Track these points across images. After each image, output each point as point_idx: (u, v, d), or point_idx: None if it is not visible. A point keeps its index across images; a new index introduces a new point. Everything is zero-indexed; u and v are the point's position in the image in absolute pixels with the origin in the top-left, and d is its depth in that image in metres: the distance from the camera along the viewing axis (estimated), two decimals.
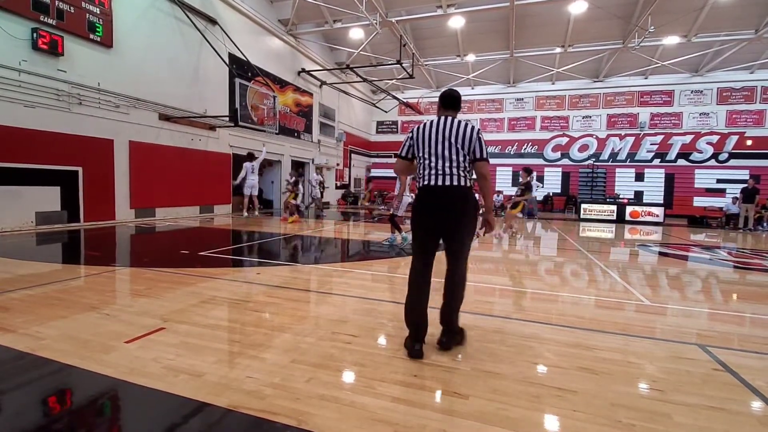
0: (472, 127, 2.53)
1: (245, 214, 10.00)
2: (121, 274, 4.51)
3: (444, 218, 2.49)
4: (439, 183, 2.49)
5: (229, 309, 3.32)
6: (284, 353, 2.42)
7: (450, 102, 2.69)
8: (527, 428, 1.74)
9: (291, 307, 3.36)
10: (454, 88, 2.74)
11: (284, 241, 7.76)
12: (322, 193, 16.72)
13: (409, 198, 7.14)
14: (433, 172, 2.51)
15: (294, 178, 11.16)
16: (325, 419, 1.74)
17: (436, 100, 2.75)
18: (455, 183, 2.48)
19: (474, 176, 2.61)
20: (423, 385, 2.09)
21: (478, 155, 2.49)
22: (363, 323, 3.02)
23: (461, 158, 2.49)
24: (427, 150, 2.56)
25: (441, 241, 2.59)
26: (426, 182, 2.54)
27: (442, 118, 2.59)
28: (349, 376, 2.17)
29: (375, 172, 24.46)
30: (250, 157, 9.95)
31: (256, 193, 10.00)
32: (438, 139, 2.53)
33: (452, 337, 2.57)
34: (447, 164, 2.49)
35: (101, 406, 1.89)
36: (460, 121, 2.56)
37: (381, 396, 1.96)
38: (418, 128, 2.63)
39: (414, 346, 2.45)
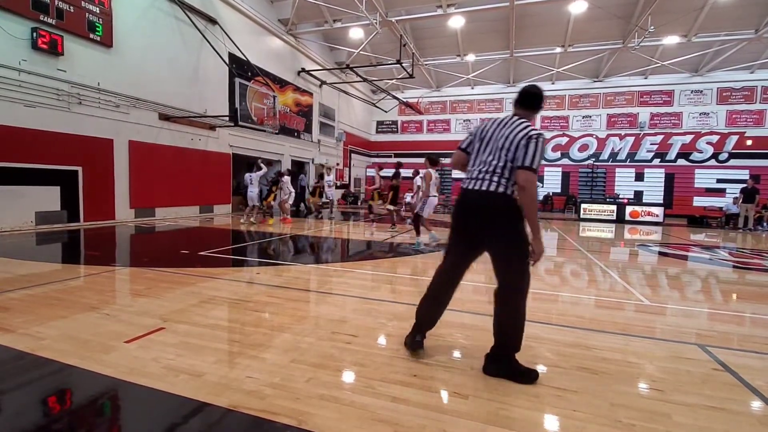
0: (526, 131, 2.17)
1: (242, 220, 10.09)
2: (120, 274, 4.51)
3: (472, 224, 2.29)
4: (470, 187, 2.30)
5: (229, 309, 3.32)
6: (284, 353, 2.42)
7: (520, 99, 2.37)
8: (527, 428, 1.74)
9: (291, 307, 3.36)
10: (536, 84, 2.41)
11: (284, 241, 7.76)
12: (322, 193, 16.69)
13: (435, 199, 6.96)
14: (471, 175, 2.33)
15: (274, 177, 10.82)
16: (325, 419, 1.74)
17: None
18: (484, 188, 2.23)
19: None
20: (423, 385, 2.09)
21: (519, 162, 2.14)
22: (363, 323, 3.02)
23: (501, 163, 2.21)
24: (476, 148, 2.38)
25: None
26: (463, 184, 2.37)
27: (507, 116, 2.33)
28: (349, 376, 2.17)
29: (373, 172, 24.38)
30: (249, 167, 10.08)
31: (257, 203, 10.08)
32: (488, 139, 2.31)
33: (497, 366, 2.24)
34: (485, 168, 2.27)
35: (101, 406, 1.89)
36: (519, 122, 2.24)
37: (381, 396, 1.96)
38: (483, 123, 2.42)
39: (414, 337, 2.45)
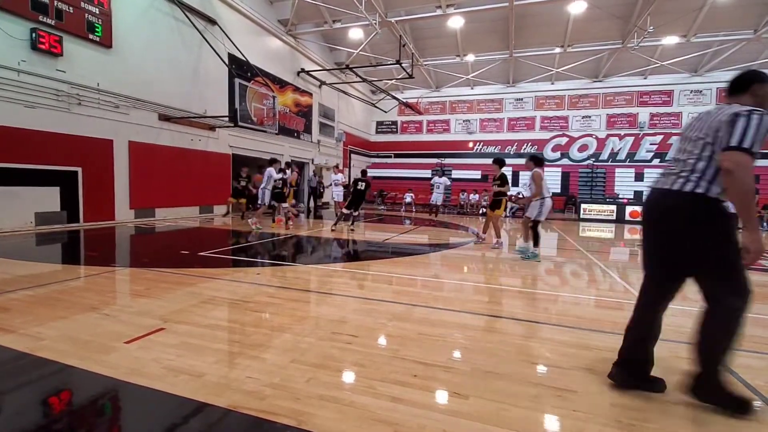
0: (732, 110, 1.77)
1: (249, 221, 9.85)
2: (120, 274, 4.51)
3: (654, 237, 1.98)
4: (655, 186, 1.97)
5: (229, 309, 3.32)
6: (284, 353, 2.42)
7: (729, 86, 1.97)
8: (527, 428, 1.74)
9: (291, 308, 3.36)
10: (748, 70, 1.96)
11: (284, 241, 7.76)
12: (321, 193, 16.66)
13: (549, 201, 6.21)
14: (662, 172, 1.99)
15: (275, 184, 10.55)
16: (325, 419, 1.74)
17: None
18: (671, 187, 1.86)
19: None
20: (423, 385, 2.09)
21: (725, 142, 1.73)
22: (363, 323, 3.02)
23: (697, 151, 1.83)
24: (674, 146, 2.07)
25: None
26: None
27: (715, 107, 1.95)
28: (349, 376, 2.17)
29: (374, 172, 24.39)
30: (259, 168, 9.83)
31: (261, 202, 9.74)
32: (686, 132, 1.98)
33: (703, 387, 1.91)
34: (678, 164, 1.91)
35: (101, 406, 1.89)
36: (727, 106, 1.84)
37: (381, 396, 1.96)
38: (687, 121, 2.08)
39: (613, 369, 2.14)
